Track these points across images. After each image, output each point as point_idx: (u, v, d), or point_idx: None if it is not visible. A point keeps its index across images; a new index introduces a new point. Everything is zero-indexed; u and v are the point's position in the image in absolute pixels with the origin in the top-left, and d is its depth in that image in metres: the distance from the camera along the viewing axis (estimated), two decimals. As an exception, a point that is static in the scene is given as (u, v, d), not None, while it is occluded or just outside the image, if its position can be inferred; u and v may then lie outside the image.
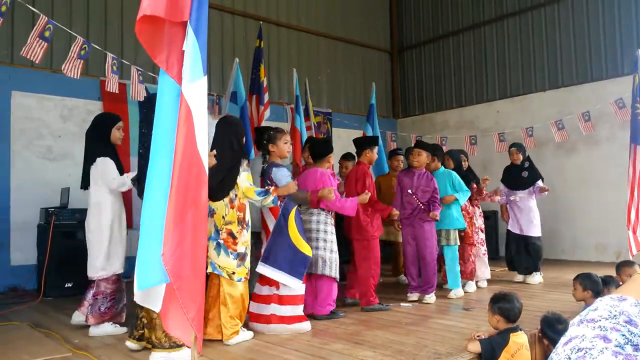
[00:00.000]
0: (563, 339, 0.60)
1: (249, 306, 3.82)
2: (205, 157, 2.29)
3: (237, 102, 5.94)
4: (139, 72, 5.11)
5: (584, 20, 8.22)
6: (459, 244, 5.31)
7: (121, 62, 5.41)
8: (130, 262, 4.06)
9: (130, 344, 3.39)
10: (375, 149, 4.94)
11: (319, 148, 4.54)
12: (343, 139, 8.69)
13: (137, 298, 2.22)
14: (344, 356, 3.24)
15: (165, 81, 2.30)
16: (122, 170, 4.02)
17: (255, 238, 4.35)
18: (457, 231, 5.30)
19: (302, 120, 6.47)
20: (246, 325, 3.80)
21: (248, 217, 3.74)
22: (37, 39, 4.11)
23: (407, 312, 4.57)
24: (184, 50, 2.31)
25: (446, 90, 10.10)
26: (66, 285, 5.53)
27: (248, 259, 3.69)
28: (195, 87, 2.27)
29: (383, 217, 4.81)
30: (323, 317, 4.22)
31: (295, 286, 3.82)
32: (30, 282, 5.81)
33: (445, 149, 7.95)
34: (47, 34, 4.18)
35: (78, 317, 4.05)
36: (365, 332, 3.86)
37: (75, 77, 4.52)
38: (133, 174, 3.82)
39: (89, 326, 3.91)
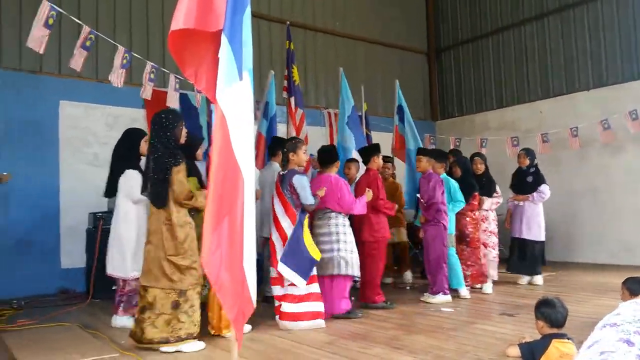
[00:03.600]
0: (586, 343, 0.60)
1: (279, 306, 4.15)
2: (244, 161, 2.34)
3: (265, 115, 6.15)
4: (177, 80, 5.27)
5: (628, 16, 7.91)
6: (454, 246, 5.41)
7: (161, 71, 5.56)
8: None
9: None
10: (379, 156, 5.23)
11: (326, 155, 4.77)
12: (379, 143, 8.63)
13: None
14: (382, 361, 3.23)
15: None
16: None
17: (266, 242, 4.83)
18: (453, 235, 5.41)
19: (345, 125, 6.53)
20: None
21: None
22: (80, 48, 4.30)
23: (448, 317, 4.51)
24: (217, 60, 2.36)
25: (486, 90, 9.91)
26: (113, 288, 5.69)
27: None
28: (230, 92, 2.31)
29: (391, 214, 5.09)
30: (341, 316, 4.40)
31: (300, 284, 4.06)
32: (79, 285, 6.03)
33: (484, 151, 7.82)
34: (88, 43, 4.37)
35: (117, 320, 4.36)
36: (404, 336, 3.83)
37: (119, 86, 4.71)
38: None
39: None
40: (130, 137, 4.44)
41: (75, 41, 6.17)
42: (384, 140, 7.82)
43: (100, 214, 5.80)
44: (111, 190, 4.34)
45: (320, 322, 4.12)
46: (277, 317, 4.14)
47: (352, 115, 6.81)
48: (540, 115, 8.93)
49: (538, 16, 9.04)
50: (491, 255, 5.82)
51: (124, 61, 4.72)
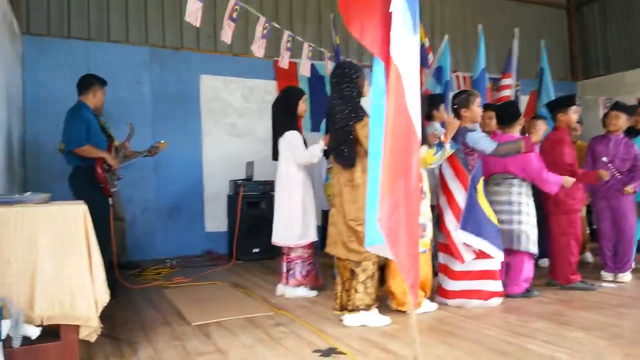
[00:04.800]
0: None
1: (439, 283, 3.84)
2: (417, 120, 2.21)
3: (439, 79, 5.82)
4: (310, 48, 5.26)
5: None
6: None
7: (292, 42, 5.55)
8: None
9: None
10: (571, 110, 4.38)
11: (508, 111, 4.21)
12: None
13: (371, 249, 2.39)
14: (550, 335, 2.98)
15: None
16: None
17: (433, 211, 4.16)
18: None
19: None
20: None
21: (426, 188, 3.64)
22: (228, 20, 4.40)
23: (611, 293, 4.08)
24: (385, 15, 2.24)
25: (638, 45, 8.75)
26: (253, 251, 6.01)
27: (429, 230, 3.59)
28: (405, 47, 2.19)
29: (591, 182, 4.41)
30: (517, 296, 3.96)
31: (498, 256, 3.65)
32: (222, 247, 6.42)
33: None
34: (234, 14, 4.46)
35: (281, 289, 4.22)
36: (568, 312, 3.52)
37: (260, 56, 4.79)
38: (319, 145, 3.95)
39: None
40: (288, 96, 4.25)
41: (211, 16, 6.48)
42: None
43: (240, 181, 6.07)
44: (277, 152, 4.23)
45: (497, 301, 3.73)
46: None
47: (480, 78, 6.35)
48: None
49: None
50: None
51: (264, 31, 4.79)
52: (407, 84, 2.17)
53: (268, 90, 7.00)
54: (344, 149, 3.28)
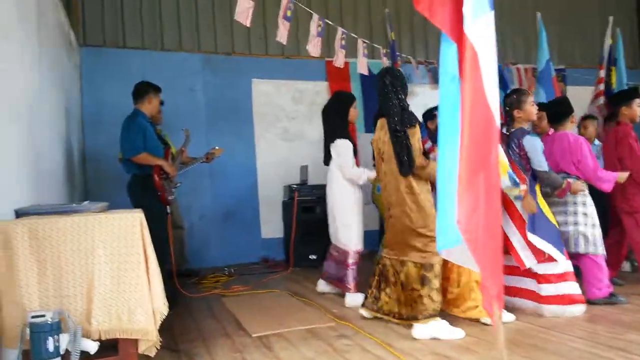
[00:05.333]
0: None
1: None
2: (496, 106, 1.96)
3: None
4: (364, 44, 5.04)
5: None
6: None
7: (347, 40, 5.36)
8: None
9: (364, 312, 3.49)
10: (634, 103, 4.09)
11: (559, 108, 3.93)
12: (580, 99, 7.48)
13: (443, 254, 2.12)
14: (652, 350, 2.64)
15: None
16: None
17: None
18: None
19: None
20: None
21: None
22: (282, 19, 4.27)
23: None
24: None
25: None
26: (310, 257, 5.86)
27: None
28: (480, 25, 1.94)
29: None
30: (600, 301, 3.60)
31: (561, 260, 3.37)
32: (278, 254, 6.31)
33: None
34: (289, 13, 4.33)
35: (322, 285, 4.33)
36: (665, 322, 3.14)
37: (317, 55, 4.64)
38: (368, 174, 3.95)
39: (337, 294, 4.14)
40: (339, 101, 4.18)
41: (262, 17, 6.41)
42: (584, 95, 6.74)
43: (294, 186, 5.94)
44: (329, 157, 4.17)
45: (582, 308, 3.41)
46: (525, 300, 3.55)
47: (545, 70, 5.96)
48: None
49: None
50: None
51: (319, 29, 4.63)
52: (484, 65, 1.93)
53: (318, 92, 6.89)
54: (403, 156, 3.17)
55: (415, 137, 3.16)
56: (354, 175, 3.98)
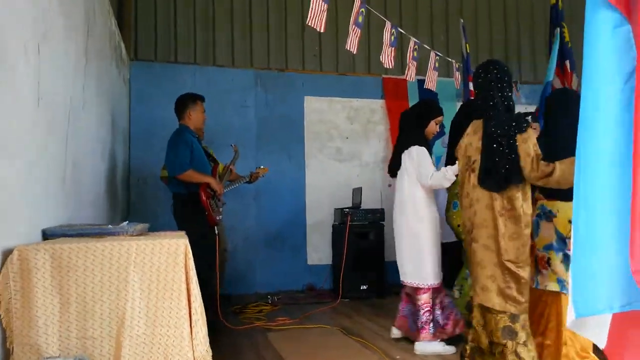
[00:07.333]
0: None
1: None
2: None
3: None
4: (437, 57, 4.58)
5: None
6: None
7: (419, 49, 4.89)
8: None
9: None
10: None
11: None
12: None
13: (570, 324, 1.56)
14: None
15: (599, 18, 1.53)
16: None
17: None
18: None
19: None
20: None
21: None
22: (354, 25, 3.88)
23: None
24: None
25: None
26: (361, 288, 5.40)
27: None
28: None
29: None
30: None
31: None
32: (325, 282, 5.87)
33: None
34: (360, 18, 3.95)
35: (397, 333, 3.71)
36: None
37: (390, 66, 4.21)
38: (454, 167, 3.26)
39: (404, 338, 3.57)
40: (425, 107, 3.72)
41: (317, 33, 6.09)
42: None
43: (347, 210, 5.52)
44: (396, 166, 3.66)
45: None
46: None
47: None
48: None
49: None
50: None
51: (392, 38, 4.21)
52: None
53: (373, 109, 6.51)
54: (501, 167, 2.60)
55: (529, 142, 2.58)
56: (436, 179, 3.36)
